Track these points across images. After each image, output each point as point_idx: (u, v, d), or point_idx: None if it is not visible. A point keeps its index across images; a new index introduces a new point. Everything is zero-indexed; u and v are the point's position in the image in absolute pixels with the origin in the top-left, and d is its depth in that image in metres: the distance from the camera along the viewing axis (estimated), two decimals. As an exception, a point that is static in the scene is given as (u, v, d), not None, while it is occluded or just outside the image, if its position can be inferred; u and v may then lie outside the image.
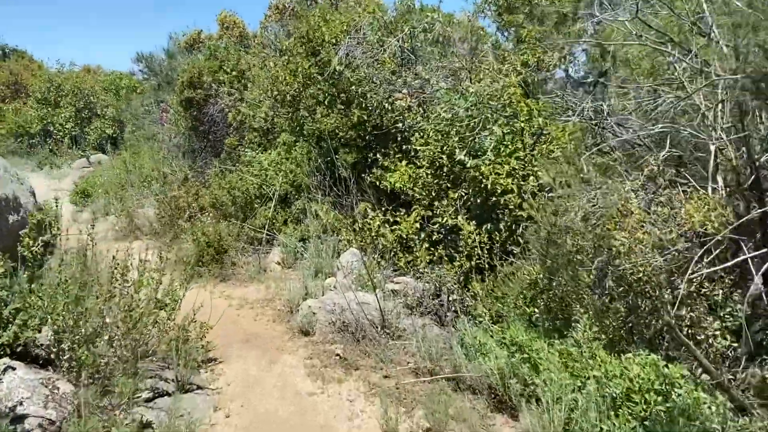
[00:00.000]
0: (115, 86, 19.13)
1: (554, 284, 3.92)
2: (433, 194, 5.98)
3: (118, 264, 3.93)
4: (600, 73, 8.43)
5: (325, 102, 7.05)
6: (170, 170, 10.12)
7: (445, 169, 5.73)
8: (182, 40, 12.85)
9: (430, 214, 5.75)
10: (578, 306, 3.60)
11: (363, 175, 6.91)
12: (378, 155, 6.61)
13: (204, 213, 7.93)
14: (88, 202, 10.05)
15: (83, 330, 3.46)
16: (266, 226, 7.28)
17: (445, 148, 5.86)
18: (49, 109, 19.28)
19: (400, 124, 6.70)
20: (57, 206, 7.13)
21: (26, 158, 19.07)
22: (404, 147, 6.77)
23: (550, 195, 4.44)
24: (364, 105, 6.61)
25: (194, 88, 10.42)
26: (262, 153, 8.11)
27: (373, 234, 6.30)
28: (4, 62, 21.34)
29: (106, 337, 3.57)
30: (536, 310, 4.08)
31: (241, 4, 34.14)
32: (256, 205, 7.57)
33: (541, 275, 3.96)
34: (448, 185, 5.98)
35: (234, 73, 10.63)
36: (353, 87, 6.62)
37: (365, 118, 6.61)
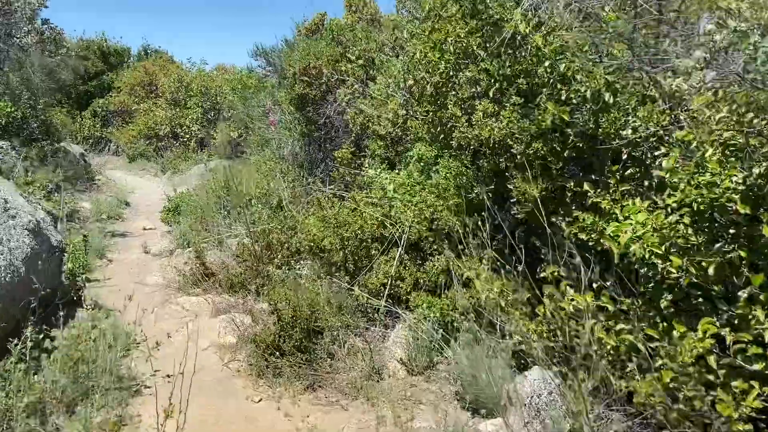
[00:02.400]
0: (241, 85, 18.21)
1: None
2: (710, 272, 3.05)
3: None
4: None
5: (491, 93, 4.37)
6: (275, 187, 8.11)
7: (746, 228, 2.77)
8: (303, 26, 10.99)
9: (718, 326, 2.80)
10: None
11: (555, 218, 4.13)
12: (585, 186, 3.78)
13: (302, 257, 5.68)
14: (178, 221, 8.38)
15: None
16: (386, 289, 4.79)
17: (740, 180, 2.94)
18: (178, 110, 18.95)
19: (628, 131, 3.81)
20: (85, 247, 5.25)
21: (153, 161, 18.93)
22: (630, 171, 3.92)
23: None
24: (564, 96, 3.81)
25: (309, 82, 8.33)
26: (386, 171, 5.65)
27: (575, 333, 3.52)
28: (139, 62, 21.67)
29: None
30: None
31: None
32: (373, 252, 5.12)
33: None
34: (741, 256, 3.04)
35: (360, 61, 8.38)
36: (546, 64, 3.87)
37: (565, 119, 3.80)
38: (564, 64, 3.72)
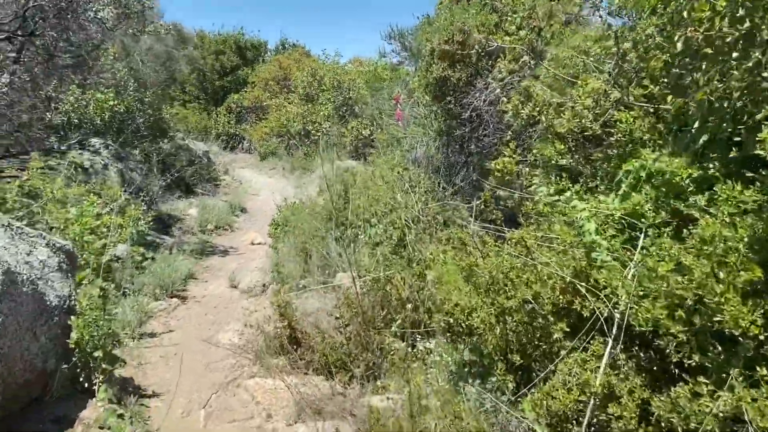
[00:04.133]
0: (375, 77, 16.75)
1: None
2: None
3: None
4: None
5: None
6: (403, 203, 6.25)
7: None
8: (447, -5, 9.00)
9: None
10: None
11: None
12: None
13: (432, 318, 3.70)
14: (280, 241, 6.87)
15: None
16: (585, 413, 2.68)
17: None
18: (310, 106, 18.09)
19: None
20: (104, 303, 3.64)
21: (284, 160, 18.29)
22: None
23: None
24: None
25: (452, 62, 6.36)
26: (578, 195, 3.47)
27: None
28: (275, 56, 21.21)
29: None
30: None
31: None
32: (555, 336, 3.00)
33: None
34: None
35: (522, 33, 6.22)
36: None
37: None
38: None
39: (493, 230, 3.97)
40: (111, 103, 7.55)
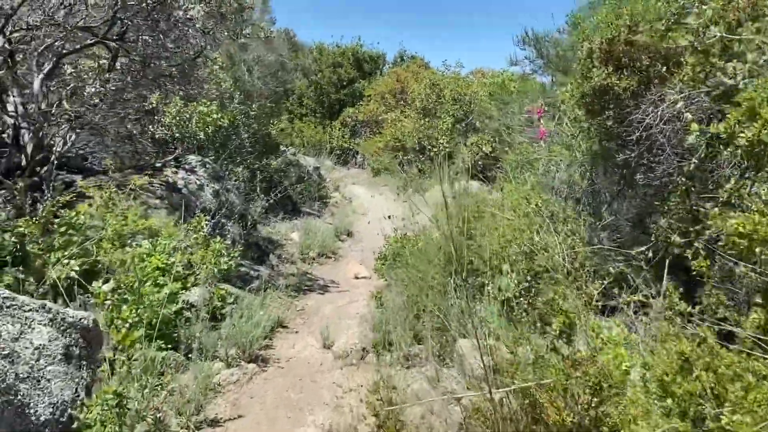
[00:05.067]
0: (501, 89, 15.34)
1: None
2: None
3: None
4: None
5: None
6: (543, 240, 4.94)
7: None
8: (599, -12, 7.51)
9: None
10: None
11: None
12: None
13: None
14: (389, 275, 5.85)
15: None
16: None
17: None
18: (427, 120, 17.13)
19: None
20: (121, 421, 2.58)
21: (397, 176, 17.46)
22: None
23: None
24: None
25: (616, 66, 4.96)
26: None
27: None
28: (392, 69, 20.52)
29: None
30: None
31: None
32: None
33: None
34: None
35: (716, 29, 4.72)
36: None
37: None
38: None
39: (712, 323, 2.55)
40: (214, 116, 6.97)
